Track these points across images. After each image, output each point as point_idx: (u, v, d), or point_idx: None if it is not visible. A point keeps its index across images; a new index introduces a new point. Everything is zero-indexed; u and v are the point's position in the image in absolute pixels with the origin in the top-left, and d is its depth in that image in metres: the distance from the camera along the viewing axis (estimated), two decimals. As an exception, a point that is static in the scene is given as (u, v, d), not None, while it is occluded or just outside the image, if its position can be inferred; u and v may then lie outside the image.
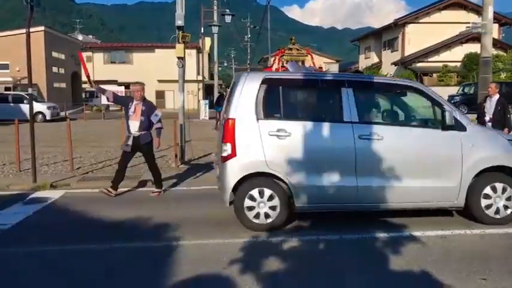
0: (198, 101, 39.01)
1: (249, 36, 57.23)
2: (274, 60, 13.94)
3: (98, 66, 48.43)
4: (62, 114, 28.38)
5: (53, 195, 7.34)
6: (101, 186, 7.99)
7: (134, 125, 7.26)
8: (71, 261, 4.47)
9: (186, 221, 5.71)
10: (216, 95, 29.01)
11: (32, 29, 8.91)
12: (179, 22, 10.08)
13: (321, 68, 13.84)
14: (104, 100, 31.37)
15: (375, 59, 45.03)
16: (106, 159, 10.97)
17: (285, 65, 12.88)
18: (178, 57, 10.19)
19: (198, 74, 45.82)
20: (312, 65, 13.21)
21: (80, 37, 58.07)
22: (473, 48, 31.07)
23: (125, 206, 6.58)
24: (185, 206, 6.59)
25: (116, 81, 43.54)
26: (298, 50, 13.33)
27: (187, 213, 6.11)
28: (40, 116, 25.95)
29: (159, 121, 7.48)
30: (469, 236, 5.06)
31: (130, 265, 4.33)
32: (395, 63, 38.95)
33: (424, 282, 3.89)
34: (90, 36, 75.30)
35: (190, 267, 4.19)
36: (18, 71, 34.22)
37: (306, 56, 13.46)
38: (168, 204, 6.73)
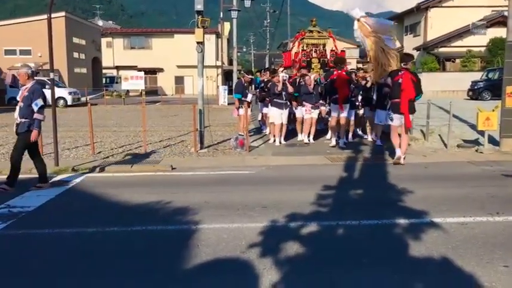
0: (217, 86, 39.03)
1: (269, 21, 56.83)
2: (294, 43, 13.54)
3: (117, 52, 48.86)
4: (83, 99, 28.72)
5: (75, 178, 7.46)
6: (121, 170, 8.11)
7: (16, 111, 6.64)
8: (92, 243, 4.56)
9: (205, 205, 5.75)
10: (235, 80, 28.95)
11: (53, 15, 8.97)
12: (198, 7, 10.03)
13: (343, 51, 13.48)
14: (124, 86, 31.66)
15: (397, 44, 44.27)
16: (126, 144, 11.08)
17: (305, 48, 12.50)
18: (198, 42, 10.16)
19: (217, 59, 45.78)
20: (334, 48, 12.88)
21: (100, 23, 58.40)
22: (499, 32, 30.23)
23: (145, 190, 6.65)
24: (204, 191, 6.63)
25: (136, 66, 43.84)
26: (319, 32, 12.99)
27: (206, 197, 6.14)
28: (61, 101, 26.32)
29: (40, 111, 6.59)
30: (492, 224, 4.98)
31: (150, 248, 4.39)
32: (417, 48, 38.22)
33: (444, 268, 3.85)
34: (110, 22, 75.66)
35: (209, 250, 4.23)
36: (40, 56, 34.59)
37: (328, 38, 13.09)
38: (188, 189, 6.78)
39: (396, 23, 44.74)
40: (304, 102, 10.77)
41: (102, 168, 8.23)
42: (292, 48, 13.55)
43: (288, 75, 11.05)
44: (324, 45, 12.96)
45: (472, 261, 3.90)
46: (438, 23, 36.73)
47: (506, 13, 10.48)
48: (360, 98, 11.18)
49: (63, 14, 36.24)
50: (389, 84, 9.51)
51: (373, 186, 6.97)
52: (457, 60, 35.33)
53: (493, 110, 9.71)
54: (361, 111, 11.48)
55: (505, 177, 7.34)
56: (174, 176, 7.80)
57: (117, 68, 47.01)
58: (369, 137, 11.31)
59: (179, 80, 48.70)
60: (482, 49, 34.30)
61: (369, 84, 10.82)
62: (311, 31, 12.85)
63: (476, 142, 10.51)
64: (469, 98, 26.88)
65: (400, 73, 8.42)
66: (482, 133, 10.04)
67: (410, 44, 40.19)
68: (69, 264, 4.02)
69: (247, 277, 3.70)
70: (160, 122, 17.04)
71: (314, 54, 12.69)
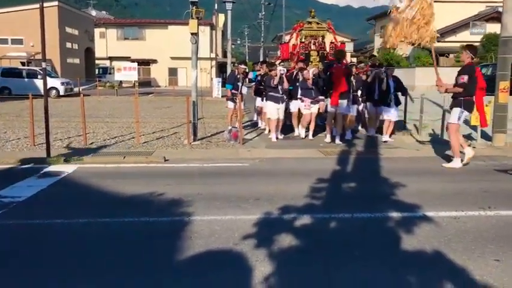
0: (211, 78, 38.92)
1: (263, 13, 56.66)
2: (292, 35, 13.21)
3: (111, 43, 48.54)
4: (76, 89, 28.52)
5: (67, 169, 7.40)
6: (113, 161, 8.07)
7: None
8: (84, 234, 4.52)
9: (198, 197, 5.73)
10: (228, 72, 28.85)
11: (45, 4, 8.87)
12: (193, -3, 9.95)
13: (343, 44, 13.21)
14: (117, 76, 31.47)
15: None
16: (119, 135, 11.02)
17: (303, 40, 12.15)
18: (192, 33, 10.09)
19: (211, 51, 45.59)
20: (334, 40, 12.55)
21: (94, 13, 57.86)
22: (493, 28, 30.34)
23: (138, 182, 6.62)
24: (197, 182, 6.61)
25: (129, 57, 43.55)
26: (318, 23, 12.50)
27: (199, 189, 6.13)
28: (54, 91, 26.13)
29: None
30: (483, 218, 5.01)
31: (142, 239, 4.36)
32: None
33: (435, 261, 3.86)
34: (104, 12, 75.01)
35: (202, 242, 4.21)
36: (32, 46, 34.31)
37: (327, 30, 12.75)
38: (181, 180, 6.75)
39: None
40: (303, 98, 10.42)
41: (95, 159, 8.17)
42: (290, 40, 13.12)
43: (285, 69, 10.71)
44: (323, 37, 12.57)
45: (463, 255, 3.92)
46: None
47: (500, 9, 10.50)
48: (359, 92, 10.97)
49: (55, 3, 35.88)
50: (388, 79, 9.54)
51: (366, 179, 6.99)
52: (451, 55, 35.43)
53: (486, 106, 9.73)
54: (360, 107, 11.32)
55: (497, 172, 7.38)
56: (167, 167, 7.76)
57: (110, 58, 46.73)
58: (370, 133, 11.16)
59: (173, 72, 48.54)
60: (476, 44, 34.40)
61: (370, 79, 10.60)
62: (310, 22, 12.46)
63: (469, 137, 10.55)
64: (462, 93, 26.95)
65: (475, 67, 7.91)
66: (475, 128, 10.08)
67: (404, 38, 40.14)
68: (60, 255, 3.99)
69: (240, 269, 3.69)
70: (154, 113, 16.97)
71: (313, 47, 12.29)
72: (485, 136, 10.14)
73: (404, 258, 3.95)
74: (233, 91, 11.16)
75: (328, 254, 4.01)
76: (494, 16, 31.61)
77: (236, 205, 5.38)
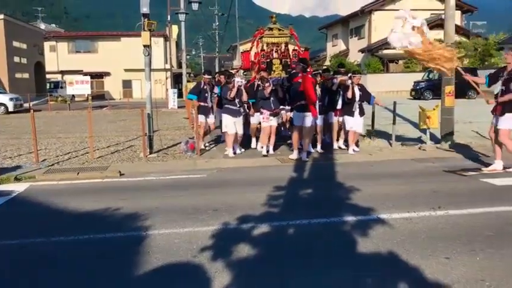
0: (166, 90, 38.57)
1: (217, 24, 56.78)
2: (253, 43, 12.61)
3: (61, 56, 47.33)
4: (26, 105, 27.58)
5: (18, 188, 7.14)
6: (67, 177, 7.85)
7: None
8: (37, 254, 4.38)
9: (155, 210, 5.66)
10: (184, 83, 28.69)
11: (-10, 17, 8.57)
12: (144, 9, 9.90)
13: (307, 51, 12.90)
14: (70, 91, 30.67)
15: (342, 47, 45.44)
16: (72, 151, 10.74)
17: (265, 48, 11.54)
18: (144, 46, 10.02)
19: (166, 62, 45.24)
20: (297, 47, 12.06)
21: (43, 26, 56.20)
22: (438, 35, 31.75)
23: (93, 198, 6.47)
24: (154, 196, 6.53)
25: (82, 71, 42.59)
26: (280, 30, 11.82)
27: (157, 202, 6.06)
28: (2, 107, 25.19)
29: None
30: (434, 218, 5.20)
31: (99, 256, 4.28)
32: (362, 51, 39.40)
33: (390, 262, 3.98)
34: (53, 25, 73.10)
35: (160, 256, 4.17)
36: (-22, 61, 32.95)
37: (289, 37, 12.02)
38: (137, 194, 6.65)
39: (341, 26, 46.04)
40: (261, 109, 9.74)
41: (47, 176, 7.94)
42: (251, 48, 12.28)
43: (243, 81, 9.97)
44: (286, 44, 11.92)
45: (416, 255, 4.07)
46: (382, 26, 37.95)
47: (443, 16, 11.00)
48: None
49: (1, 16, 34.69)
50: (350, 87, 9.20)
51: (322, 185, 7.11)
52: (400, 62, 36.68)
53: (434, 109, 10.15)
54: (336, 118, 10.28)
55: (446, 173, 7.68)
56: (122, 182, 7.63)
57: (62, 72, 45.53)
58: (336, 145, 10.41)
59: (127, 84, 47.80)
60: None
61: (334, 87, 9.92)
62: (271, 29, 11.74)
63: (419, 140, 10.96)
64: (412, 97, 27.99)
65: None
66: (424, 131, 10.47)
67: (355, 46, 41.37)
68: (12, 277, 3.85)
69: (199, 281, 3.68)
70: (108, 127, 16.65)
71: (275, 55, 11.67)
72: (434, 139, 10.55)
73: (361, 261, 4.04)
74: (202, 103, 10.40)
75: (287, 262, 4.06)
76: (439, 23, 32.98)
77: (194, 217, 5.36)
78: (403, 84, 30.30)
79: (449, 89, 10.34)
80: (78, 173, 8.03)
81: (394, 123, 10.59)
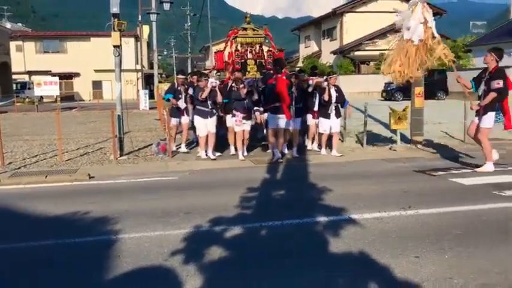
0: (138, 90, 38.14)
1: (189, 24, 56.43)
2: (227, 43, 11.97)
3: (29, 56, 46.22)
4: (-9, 107, 26.79)
5: (-18, 192, 6.92)
6: (34, 181, 7.66)
7: None
8: (2, 260, 4.24)
9: (125, 214, 5.57)
10: (156, 84, 28.43)
11: (-48, 16, 8.27)
12: (114, 9, 9.74)
13: (281, 51, 12.71)
14: (37, 92, 29.96)
15: (315, 48, 45.81)
16: (40, 153, 10.48)
17: (239, 48, 11.27)
18: (114, 46, 9.86)
19: (137, 63, 44.75)
20: (272, 48, 11.88)
21: (8, 25, 54.66)
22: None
23: (61, 201, 6.31)
24: (124, 199, 6.42)
25: (50, 71, 41.68)
26: (254, 30, 11.54)
27: (127, 206, 5.96)
28: (-34, 109, 24.38)
29: None
30: (404, 217, 5.28)
31: (67, 261, 4.17)
32: (334, 52, 39.80)
33: (361, 262, 4.02)
34: (20, 24, 71.23)
35: (131, 260, 4.10)
36: None
37: (264, 37, 11.74)
38: (107, 198, 6.53)
39: (314, 27, 46.42)
40: (234, 111, 9.39)
41: (13, 179, 7.71)
42: (225, 48, 12.02)
43: (217, 82, 9.71)
44: (261, 44, 11.72)
45: (386, 254, 4.11)
46: (353, 28, 38.54)
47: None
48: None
49: (-35, 15, 33.60)
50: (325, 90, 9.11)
51: (295, 186, 7.13)
52: (371, 63, 37.23)
53: (404, 110, 10.31)
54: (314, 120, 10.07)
55: (416, 173, 7.81)
56: (92, 185, 7.48)
57: (29, 73, 44.40)
58: (309, 146, 10.33)
59: (97, 85, 47.00)
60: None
61: (310, 89, 9.77)
62: (245, 29, 11.52)
63: (390, 140, 11.12)
64: (383, 98, 28.47)
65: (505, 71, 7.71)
66: (395, 132, 10.63)
67: (327, 48, 41.76)
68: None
69: (170, 285, 3.63)
70: (78, 129, 16.33)
71: (249, 55, 11.45)
72: (404, 139, 10.73)
73: (333, 261, 4.06)
74: (175, 105, 10.16)
75: (260, 264, 4.04)
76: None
77: (165, 220, 5.29)
78: (374, 86, 30.76)
79: (418, 90, 10.53)
80: (46, 176, 7.84)
81: (365, 124, 10.71)
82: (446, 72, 29.11)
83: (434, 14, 39.98)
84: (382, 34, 37.83)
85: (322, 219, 5.20)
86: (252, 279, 3.72)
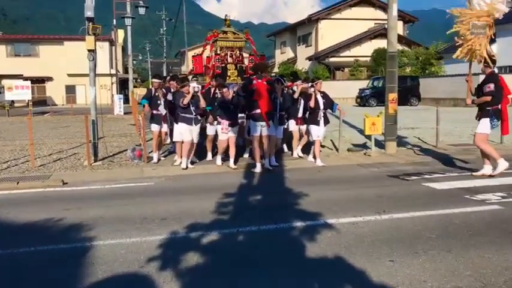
0: (112, 95, 37.67)
1: (165, 29, 56.12)
2: (206, 46, 11.64)
3: (-1, 60, 45.12)
4: (-40, 111, 26.03)
5: (-50, 199, 6.72)
6: (5, 187, 7.48)
7: None
8: (-29, 269, 4.13)
9: (100, 220, 5.49)
10: (131, 89, 28.15)
11: None
12: (89, 13, 9.63)
13: (263, 56, 12.54)
14: (8, 96, 29.27)
15: (291, 54, 46.14)
16: (12, 159, 10.25)
17: (218, 52, 10.97)
18: (89, 50, 9.74)
19: (112, 67, 44.08)
20: (253, 51, 11.70)
21: (-21, 28, 53.46)
22: (382, 43, 32.92)
23: (34, 208, 6.19)
24: (99, 205, 6.32)
25: (22, 75, 40.78)
26: (234, 33, 11.28)
27: (101, 212, 5.87)
28: None
29: None
30: (379, 221, 5.35)
31: (40, 270, 4.08)
32: (309, 58, 40.18)
33: (337, 266, 4.05)
34: (-10, 27, 69.65)
35: (106, 267, 4.04)
36: None
37: (245, 41, 11.54)
38: (81, 204, 6.42)
39: (289, 33, 46.75)
40: (219, 119, 9.08)
41: (-17, 186, 7.52)
42: (203, 51, 11.71)
43: (199, 87, 9.20)
44: (241, 48, 11.53)
45: (362, 259, 4.16)
46: (328, 34, 38.98)
47: (386, 26, 11.41)
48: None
49: None
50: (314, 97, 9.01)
51: (271, 191, 7.15)
52: (346, 69, 37.72)
53: (378, 116, 10.47)
54: (301, 127, 10.01)
55: (390, 178, 7.93)
56: (65, 191, 7.35)
57: (0, 77, 43.37)
58: (294, 153, 10.10)
59: (70, 89, 46.21)
60: (368, 59, 36.98)
61: (296, 95, 9.57)
62: (225, 32, 11.24)
63: (364, 146, 11.27)
64: (357, 104, 28.84)
65: (498, 76, 7.81)
66: (369, 137, 10.77)
67: (303, 54, 42.11)
68: None
69: (147, 292, 3.59)
70: (50, 134, 16.03)
71: (230, 59, 11.17)
72: (378, 145, 10.89)
73: (309, 266, 4.09)
74: (154, 111, 9.64)
75: (236, 270, 4.04)
76: (383, 32, 34.22)
77: (141, 226, 5.23)
78: (349, 92, 31.16)
79: (392, 96, 10.70)
80: (17, 183, 7.67)
81: (340, 129, 10.83)
82: (419, 79, 29.75)
83: (407, 22, 40.58)
84: (356, 41, 38.49)
85: (299, 224, 5.23)
86: (228, 285, 3.71)
